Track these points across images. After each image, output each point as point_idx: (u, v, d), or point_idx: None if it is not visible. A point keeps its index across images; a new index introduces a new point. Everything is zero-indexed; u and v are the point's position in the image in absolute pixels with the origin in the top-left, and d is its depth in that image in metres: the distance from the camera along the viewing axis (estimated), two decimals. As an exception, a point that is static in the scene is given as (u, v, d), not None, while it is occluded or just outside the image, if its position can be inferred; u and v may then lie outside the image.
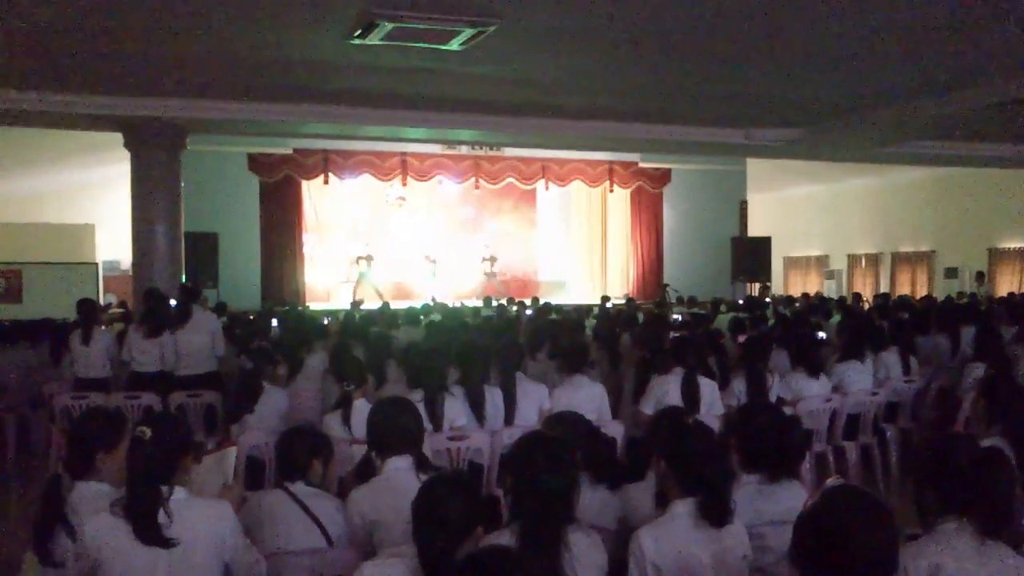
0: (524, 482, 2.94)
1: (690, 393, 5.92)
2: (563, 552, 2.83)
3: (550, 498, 2.89)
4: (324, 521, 3.56)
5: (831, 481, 2.53)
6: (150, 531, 2.97)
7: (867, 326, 8.38)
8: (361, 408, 5.06)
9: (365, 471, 3.95)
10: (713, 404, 6.06)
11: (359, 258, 19.57)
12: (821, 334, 9.00)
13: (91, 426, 3.52)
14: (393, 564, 2.69)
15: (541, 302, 15.04)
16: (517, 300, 15.61)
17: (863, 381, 7.20)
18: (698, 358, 6.30)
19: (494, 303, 15.04)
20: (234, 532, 3.19)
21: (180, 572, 3.03)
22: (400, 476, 3.63)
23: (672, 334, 7.92)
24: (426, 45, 8.02)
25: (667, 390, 5.94)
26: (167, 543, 2.98)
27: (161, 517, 2.99)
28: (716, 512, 3.09)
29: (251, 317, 11.77)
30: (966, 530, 2.79)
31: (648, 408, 5.89)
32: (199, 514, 3.12)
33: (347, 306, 16.50)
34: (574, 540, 2.90)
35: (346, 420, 5.20)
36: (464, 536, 2.67)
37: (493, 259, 20.66)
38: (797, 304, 15.01)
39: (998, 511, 2.80)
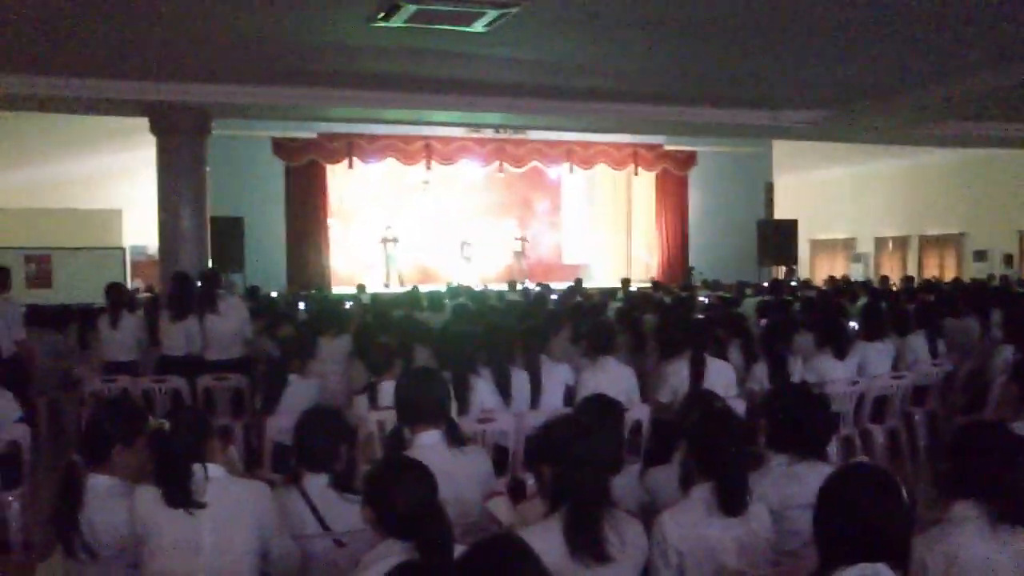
0: (568, 466, 2.91)
1: (696, 374, 5.84)
2: (608, 535, 2.83)
3: (596, 481, 2.90)
4: (336, 525, 3.41)
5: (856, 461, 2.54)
6: (180, 494, 3.08)
7: (882, 308, 8.30)
8: (388, 389, 5.09)
9: (395, 444, 3.93)
10: (728, 387, 5.98)
11: (384, 240, 19.66)
12: (853, 324, 8.90)
13: (111, 417, 3.52)
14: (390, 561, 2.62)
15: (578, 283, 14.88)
16: (542, 284, 15.59)
17: (883, 363, 7.16)
18: (707, 340, 6.26)
19: (519, 287, 15.03)
20: (272, 514, 3.25)
21: (222, 544, 3.11)
22: (428, 454, 3.63)
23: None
24: (450, 27, 7.99)
25: (682, 376, 5.85)
26: (197, 505, 3.08)
27: (197, 489, 3.11)
28: (730, 500, 3.07)
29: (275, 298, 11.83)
30: (980, 515, 2.73)
31: (664, 396, 5.86)
32: (239, 491, 3.23)
33: (379, 289, 16.61)
34: (620, 523, 2.90)
35: (373, 403, 5.23)
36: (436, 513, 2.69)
37: (524, 240, 20.81)
38: (825, 287, 14.91)
39: (1018, 498, 2.75)
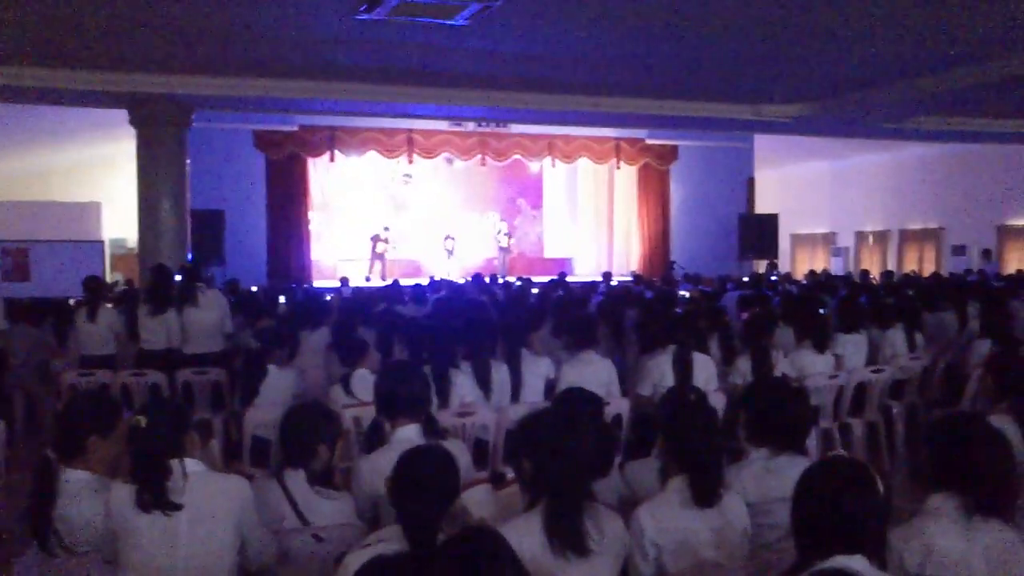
0: (547, 460, 2.90)
1: (682, 369, 5.86)
2: (588, 528, 2.83)
3: (576, 474, 2.89)
4: (315, 520, 3.42)
5: (832, 454, 2.57)
6: (154, 497, 3.02)
7: (859, 300, 8.35)
8: (365, 376, 5.10)
9: (374, 438, 3.92)
10: (709, 380, 6.01)
11: (377, 238, 19.63)
12: (822, 309, 8.95)
13: (85, 409, 3.47)
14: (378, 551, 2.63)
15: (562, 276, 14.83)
16: (524, 277, 15.58)
17: (858, 354, 7.22)
18: (691, 334, 6.28)
19: (500, 281, 15.01)
20: (251, 507, 3.22)
21: (200, 539, 3.07)
22: (406, 448, 3.61)
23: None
24: (432, 20, 7.97)
25: (663, 370, 5.89)
26: (172, 506, 3.02)
27: (175, 486, 3.05)
28: (704, 492, 3.09)
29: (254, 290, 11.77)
30: (956, 507, 2.76)
31: (645, 389, 5.88)
32: (217, 486, 3.19)
33: (360, 283, 16.55)
34: (599, 517, 2.91)
35: (348, 391, 5.24)
36: (446, 506, 2.72)
37: (510, 236, 20.84)
38: (805, 281, 14.97)
39: (996, 490, 2.78)
